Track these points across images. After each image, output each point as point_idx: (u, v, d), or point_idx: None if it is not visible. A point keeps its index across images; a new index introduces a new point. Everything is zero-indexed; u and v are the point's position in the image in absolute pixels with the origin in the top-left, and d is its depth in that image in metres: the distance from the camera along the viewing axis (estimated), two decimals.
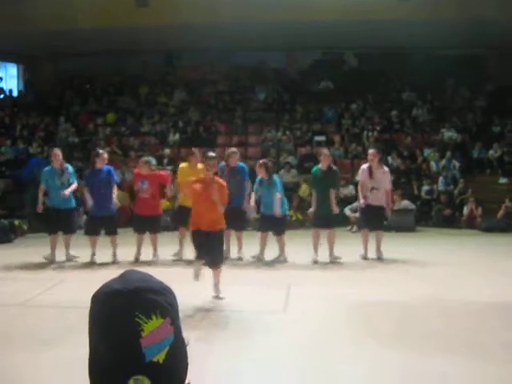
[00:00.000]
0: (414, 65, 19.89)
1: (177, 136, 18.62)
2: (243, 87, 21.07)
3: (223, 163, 10.17)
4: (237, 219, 9.77)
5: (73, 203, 10.40)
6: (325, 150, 10.79)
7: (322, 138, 18.19)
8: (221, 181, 7.73)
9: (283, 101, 20.43)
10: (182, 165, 10.53)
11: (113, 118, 19.77)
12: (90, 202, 10.21)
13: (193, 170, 9.93)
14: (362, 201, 10.31)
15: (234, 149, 10.79)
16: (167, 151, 17.52)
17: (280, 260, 9.99)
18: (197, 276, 7.44)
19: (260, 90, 20.75)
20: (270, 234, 10.09)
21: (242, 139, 18.92)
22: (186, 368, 1.26)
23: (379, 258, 10.09)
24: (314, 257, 9.92)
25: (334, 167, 10.44)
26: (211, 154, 8.41)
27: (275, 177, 10.30)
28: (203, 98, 20.77)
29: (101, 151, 10.68)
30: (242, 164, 10.67)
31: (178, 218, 10.48)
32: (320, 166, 10.18)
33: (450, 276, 8.80)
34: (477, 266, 9.60)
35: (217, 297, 7.39)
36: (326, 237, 9.97)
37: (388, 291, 7.73)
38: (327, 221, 9.95)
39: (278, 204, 9.86)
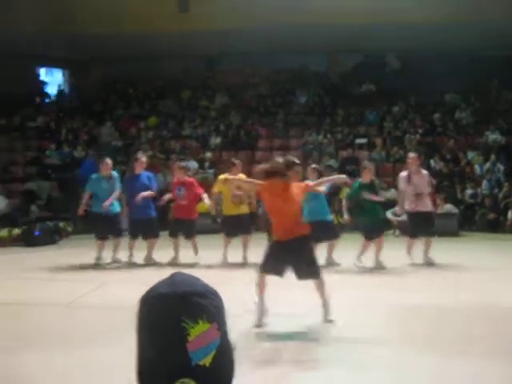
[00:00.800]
0: (457, 66, 19.58)
1: (218, 139, 18.74)
2: (284, 90, 21.08)
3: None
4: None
5: (117, 208, 10.58)
6: (367, 163, 10.48)
7: (363, 141, 18.08)
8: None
9: (324, 104, 20.38)
10: (221, 176, 10.50)
11: (154, 121, 20.01)
12: (125, 210, 10.46)
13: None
14: (400, 208, 10.17)
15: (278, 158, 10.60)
16: (208, 155, 17.66)
17: (330, 264, 9.89)
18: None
19: (301, 94, 20.75)
20: None
21: (283, 143, 18.93)
22: (233, 372, 1.27)
23: (429, 264, 9.85)
24: (357, 263, 9.79)
25: (375, 178, 10.28)
26: (295, 160, 7.17)
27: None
28: (244, 102, 20.86)
29: (139, 156, 10.81)
30: None
31: (224, 228, 10.58)
32: (361, 179, 9.92)
33: (492, 281, 8.61)
34: None
35: (327, 320, 6.41)
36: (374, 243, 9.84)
37: (429, 296, 7.64)
38: (378, 228, 9.82)
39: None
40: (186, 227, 10.35)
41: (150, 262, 10.30)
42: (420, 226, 9.97)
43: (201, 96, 21.40)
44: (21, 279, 9.37)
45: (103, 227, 10.39)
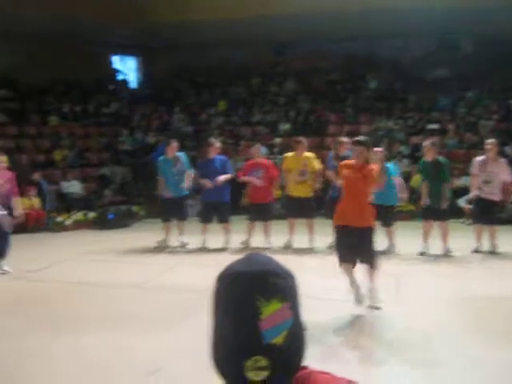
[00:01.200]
0: None
1: (287, 125, 18.73)
2: (355, 76, 20.82)
3: (332, 153, 10.05)
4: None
5: (184, 191, 10.69)
6: (425, 142, 10.28)
7: (435, 126, 17.67)
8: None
9: (395, 89, 20.03)
10: (288, 154, 10.56)
11: (224, 105, 20.16)
12: (208, 184, 10.25)
13: (298, 159, 10.02)
14: (473, 193, 9.96)
15: (344, 138, 10.36)
16: (278, 140, 17.67)
17: (390, 251, 9.84)
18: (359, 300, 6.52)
19: (371, 79, 20.45)
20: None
21: (353, 128, 18.71)
22: (304, 351, 1.29)
23: (493, 252, 9.67)
24: (422, 248, 9.71)
25: (441, 158, 10.05)
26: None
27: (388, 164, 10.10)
28: (314, 87, 20.74)
29: (213, 141, 10.84)
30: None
31: (287, 209, 10.56)
32: (424, 158, 9.82)
33: None
34: None
35: (372, 306, 6.50)
36: (438, 229, 9.71)
37: (501, 286, 7.46)
38: (438, 213, 9.67)
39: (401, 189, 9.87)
40: (263, 211, 10.35)
41: (227, 246, 10.40)
42: (481, 214, 9.80)
43: (270, 82, 21.41)
44: (94, 261, 9.68)
45: (169, 210, 10.56)
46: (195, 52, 21.51)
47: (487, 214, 9.74)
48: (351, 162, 6.59)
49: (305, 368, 1.32)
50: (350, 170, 6.48)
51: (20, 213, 8.89)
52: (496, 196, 9.82)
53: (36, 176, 14.40)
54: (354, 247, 6.37)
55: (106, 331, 5.85)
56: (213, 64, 21.81)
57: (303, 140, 10.42)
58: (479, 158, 9.96)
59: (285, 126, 18.72)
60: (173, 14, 17.89)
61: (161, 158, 10.75)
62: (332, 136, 17.74)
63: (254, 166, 10.42)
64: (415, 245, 9.81)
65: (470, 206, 13.65)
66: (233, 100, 20.66)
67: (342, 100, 19.86)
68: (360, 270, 6.59)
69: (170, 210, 10.58)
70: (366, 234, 6.39)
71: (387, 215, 9.77)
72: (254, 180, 10.30)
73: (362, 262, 6.50)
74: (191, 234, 10.69)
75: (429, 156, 9.67)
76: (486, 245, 9.79)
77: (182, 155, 10.75)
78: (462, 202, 13.90)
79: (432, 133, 17.37)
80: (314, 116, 19.13)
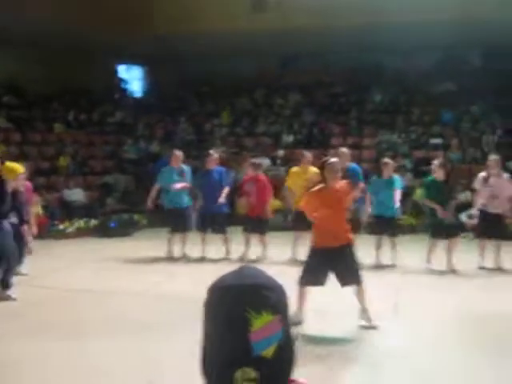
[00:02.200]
0: None
1: (291, 137, 18.77)
2: (359, 88, 20.86)
3: None
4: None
5: (187, 202, 10.76)
6: (435, 161, 10.25)
7: (438, 141, 17.68)
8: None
9: (399, 103, 20.07)
10: (293, 168, 10.63)
11: (227, 116, 20.23)
12: (200, 201, 10.56)
13: (304, 173, 10.03)
14: (476, 208, 9.94)
15: (343, 149, 10.35)
16: (281, 152, 17.70)
17: (393, 262, 9.83)
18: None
19: (376, 92, 20.50)
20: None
21: (357, 141, 18.74)
22: (293, 364, 1.29)
23: (499, 268, 9.55)
24: (427, 264, 9.68)
25: (394, 175, 10.09)
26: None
27: (395, 175, 10.12)
28: (318, 100, 20.80)
29: (211, 152, 10.95)
30: (354, 165, 10.34)
31: (295, 223, 10.50)
32: (435, 176, 9.68)
33: None
34: None
35: (369, 327, 6.35)
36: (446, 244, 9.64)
37: (500, 300, 7.44)
38: (449, 229, 9.59)
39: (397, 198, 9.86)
40: (256, 224, 10.40)
41: (227, 256, 10.45)
42: (487, 228, 9.72)
43: (275, 94, 21.49)
44: (94, 269, 9.71)
45: (175, 222, 10.59)
46: (201, 63, 21.60)
47: (493, 227, 9.65)
48: (320, 189, 6.42)
49: (293, 381, 1.32)
50: (323, 200, 6.30)
51: (33, 220, 8.93)
52: (501, 209, 9.76)
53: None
54: (333, 269, 6.30)
55: (105, 338, 5.85)
56: (218, 75, 21.91)
57: (307, 155, 10.50)
58: (482, 174, 9.95)
59: (288, 138, 18.76)
60: (180, 24, 17.98)
61: (165, 167, 10.80)
62: (335, 148, 17.78)
63: (248, 181, 10.52)
64: (417, 258, 9.78)
65: (473, 221, 13.68)
66: (237, 111, 20.73)
67: (346, 112, 19.90)
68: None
69: (176, 221, 10.59)
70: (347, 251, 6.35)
71: (391, 226, 9.81)
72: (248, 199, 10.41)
73: (346, 283, 6.39)
74: (192, 245, 10.70)
75: (439, 174, 9.59)
76: (490, 260, 9.72)
77: (185, 167, 10.81)
78: (463, 217, 13.87)
79: (435, 147, 17.39)
80: (317, 128, 19.17)
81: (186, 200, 10.69)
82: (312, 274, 6.36)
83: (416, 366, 5.18)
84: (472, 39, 17.99)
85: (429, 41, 18.31)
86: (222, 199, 10.33)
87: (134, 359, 5.29)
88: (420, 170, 15.63)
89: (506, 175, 10.00)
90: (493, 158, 9.94)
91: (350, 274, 6.33)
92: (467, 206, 14.25)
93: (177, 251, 10.66)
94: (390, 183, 9.84)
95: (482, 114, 18.73)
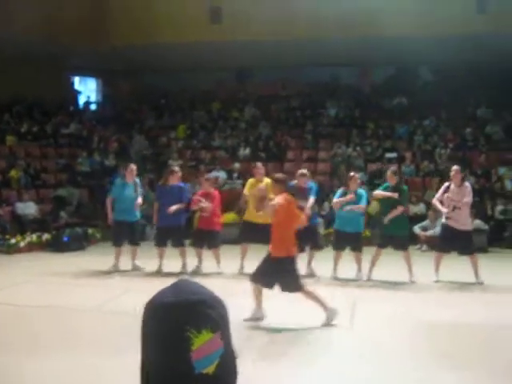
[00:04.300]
0: (489, 80, 19.30)
1: (247, 150, 18.80)
2: (315, 103, 21.08)
3: (293, 183, 10.09)
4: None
5: (137, 216, 10.65)
6: (390, 169, 10.40)
7: (393, 155, 17.96)
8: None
9: (354, 117, 20.33)
10: (250, 180, 10.69)
11: (183, 130, 20.17)
12: (155, 217, 10.52)
13: (258, 185, 10.06)
14: (444, 210, 9.82)
15: (304, 170, 10.47)
16: (237, 165, 17.71)
17: (358, 277, 9.88)
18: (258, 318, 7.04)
19: (331, 106, 20.72)
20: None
21: (312, 154, 18.92)
22: (236, 380, 1.29)
23: (479, 283, 9.51)
24: (368, 274, 9.80)
25: (402, 185, 10.21)
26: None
27: (361, 190, 10.18)
28: (274, 114, 20.93)
29: (176, 169, 10.86)
30: (312, 183, 10.41)
31: (241, 233, 10.57)
32: (389, 182, 9.93)
33: None
34: None
35: (328, 324, 6.81)
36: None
37: (454, 313, 7.54)
38: (398, 242, 9.72)
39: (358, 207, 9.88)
40: (208, 237, 10.37)
41: (183, 270, 10.37)
42: (452, 243, 9.74)
43: (231, 107, 21.53)
44: (48, 284, 9.50)
45: (122, 234, 10.49)
46: (157, 75, 21.57)
47: (462, 244, 9.64)
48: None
49: None
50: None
51: None
52: (467, 225, 9.81)
53: None
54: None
55: (58, 355, 5.72)
56: (175, 88, 21.88)
57: (259, 165, 10.63)
58: (445, 184, 10.04)
59: (245, 151, 18.78)
60: (136, 36, 17.90)
61: (119, 180, 10.70)
62: (291, 162, 17.90)
63: (203, 196, 10.46)
64: (374, 271, 9.85)
65: (426, 233, 13.91)
66: (193, 124, 20.69)
67: (302, 126, 20.06)
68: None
69: (123, 234, 10.50)
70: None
71: (358, 242, 9.88)
72: (205, 205, 10.30)
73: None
74: (149, 259, 10.58)
75: (391, 181, 9.82)
76: (446, 274, 9.80)
77: (137, 180, 10.76)
78: (417, 229, 14.08)
79: (390, 161, 17.64)
80: (273, 141, 19.26)
81: (136, 214, 10.57)
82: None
83: (371, 375, 5.20)
84: (423, 55, 18.37)
85: (382, 56, 18.64)
86: (173, 209, 10.21)
87: (88, 376, 5.17)
88: (375, 183, 15.80)
89: (467, 184, 10.02)
90: (455, 168, 10.03)
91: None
92: (420, 218, 14.50)
93: (126, 265, 10.51)
94: (357, 198, 9.87)
95: (434, 127, 19.10)
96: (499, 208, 15.20)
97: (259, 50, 18.37)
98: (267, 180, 10.08)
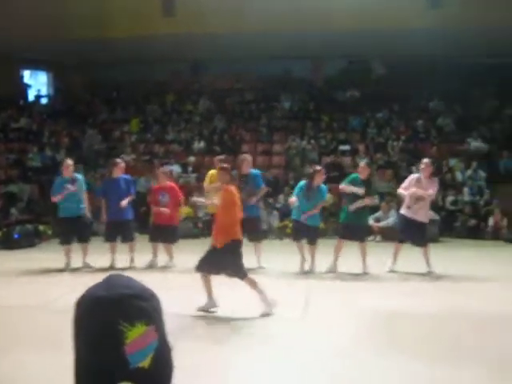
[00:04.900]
0: (442, 73, 19.62)
1: (202, 144, 18.71)
2: (269, 96, 21.09)
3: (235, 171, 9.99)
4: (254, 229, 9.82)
5: (84, 211, 10.39)
6: (362, 161, 10.54)
7: (346, 148, 18.11)
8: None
9: (308, 109, 20.41)
10: (211, 171, 10.54)
11: (136, 124, 19.96)
12: (104, 213, 10.34)
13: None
14: (408, 199, 9.87)
15: (245, 155, 10.45)
16: (192, 159, 17.62)
17: (312, 270, 9.90)
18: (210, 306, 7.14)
19: (285, 99, 20.78)
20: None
21: (267, 147, 18.94)
22: (171, 372, 1.28)
23: (430, 272, 9.64)
24: (331, 267, 9.86)
25: (372, 178, 10.38)
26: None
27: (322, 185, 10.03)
28: (228, 107, 20.87)
29: (117, 160, 10.71)
30: (255, 171, 10.33)
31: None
32: (360, 174, 9.92)
33: (471, 287, 8.65)
34: (498, 277, 9.44)
35: (266, 312, 6.92)
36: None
37: (411, 302, 7.63)
38: (357, 232, 9.79)
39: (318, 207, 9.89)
40: (166, 233, 10.26)
41: (132, 265, 10.25)
42: (412, 234, 9.85)
43: (185, 100, 21.39)
44: None
45: (69, 232, 10.25)
46: (110, 68, 21.27)
47: (417, 235, 9.77)
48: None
49: None
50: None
51: None
52: (425, 217, 9.91)
53: None
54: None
55: (10, 353, 5.60)
56: (128, 81, 21.62)
57: (220, 158, 10.47)
58: (414, 176, 10.11)
59: (199, 145, 18.69)
60: (88, 29, 17.59)
61: (58, 178, 10.41)
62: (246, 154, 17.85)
63: (161, 190, 10.35)
64: (327, 263, 9.90)
65: (379, 225, 14.08)
66: (147, 117, 20.48)
67: (256, 119, 20.06)
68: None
69: (70, 231, 10.26)
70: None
71: (315, 235, 9.88)
72: (162, 210, 10.20)
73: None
74: (101, 255, 10.43)
75: (363, 174, 9.85)
76: (401, 264, 9.92)
77: (78, 175, 10.49)
78: (370, 221, 14.20)
79: (343, 153, 17.80)
80: (228, 135, 19.21)
81: (81, 209, 10.31)
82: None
83: (326, 366, 5.20)
84: (375, 48, 18.56)
85: (335, 49, 18.75)
86: (125, 203, 10.10)
87: (30, 374, 5.07)
88: (329, 175, 15.87)
89: (436, 179, 10.08)
90: (425, 160, 10.12)
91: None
92: (374, 209, 14.65)
93: (77, 262, 10.32)
94: (319, 192, 9.85)
95: (387, 120, 19.33)
96: (450, 199, 15.49)
97: (213, 43, 18.28)
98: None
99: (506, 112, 19.11)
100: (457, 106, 19.47)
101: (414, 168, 16.24)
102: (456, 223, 14.95)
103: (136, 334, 1.19)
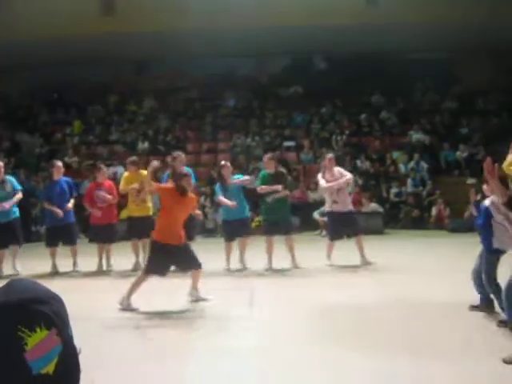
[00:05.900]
0: (383, 68, 19.90)
1: (146, 144, 18.52)
2: (213, 94, 21.02)
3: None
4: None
5: (16, 213, 9.99)
6: (267, 155, 10.38)
7: (291, 144, 18.20)
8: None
9: (252, 107, 20.43)
10: (125, 173, 10.45)
11: (79, 126, 19.63)
12: (56, 212, 9.88)
13: (135, 178, 9.89)
14: (326, 207, 10.04)
15: (178, 152, 10.31)
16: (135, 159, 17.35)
17: (243, 266, 9.85)
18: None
19: (230, 97, 20.75)
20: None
21: (212, 146, 18.89)
22: (78, 376, 1.24)
23: (367, 264, 9.67)
24: (268, 264, 9.74)
25: (282, 169, 10.21)
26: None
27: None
28: (172, 106, 20.72)
29: (57, 162, 10.42)
30: (187, 168, 10.24)
31: (130, 230, 10.31)
32: (266, 170, 9.88)
33: (414, 278, 8.70)
34: (441, 267, 9.58)
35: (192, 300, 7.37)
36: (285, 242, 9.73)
37: (352, 294, 7.67)
38: (282, 227, 9.66)
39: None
40: (105, 232, 10.07)
41: (75, 269, 10.06)
42: (340, 227, 9.85)
43: (128, 100, 21.14)
44: None
45: (2, 236, 9.80)
46: (49, 70, 20.79)
47: (348, 226, 9.77)
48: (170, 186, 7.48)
49: None
50: (173, 195, 7.17)
51: None
52: (348, 206, 9.96)
53: None
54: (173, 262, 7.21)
55: None
56: (69, 82, 21.20)
57: (132, 159, 10.47)
58: (320, 174, 10.04)
59: (143, 145, 18.49)
60: (24, 32, 17.16)
61: None
62: (191, 154, 17.77)
63: (96, 187, 10.20)
64: (264, 259, 9.82)
65: (324, 219, 14.16)
66: (89, 118, 20.16)
67: (201, 118, 19.97)
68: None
69: (2, 236, 9.80)
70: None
71: (244, 228, 9.79)
72: (94, 212, 10.04)
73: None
74: (42, 260, 10.19)
75: (269, 167, 9.80)
76: (338, 258, 9.96)
77: (9, 177, 10.11)
78: (316, 215, 14.33)
79: (288, 149, 17.88)
80: (172, 134, 19.06)
81: (13, 212, 9.89)
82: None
83: (272, 361, 5.17)
84: (316, 44, 18.69)
85: (278, 46, 18.80)
86: (70, 206, 9.91)
87: None
88: None
89: (337, 168, 10.05)
90: (329, 155, 10.23)
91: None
92: (319, 204, 14.76)
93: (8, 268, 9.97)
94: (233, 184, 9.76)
95: (331, 115, 19.50)
96: (394, 190, 15.75)
97: (155, 41, 18.09)
98: (144, 172, 9.68)
99: (446, 105, 19.52)
100: (398, 99, 19.78)
101: (358, 161, 16.47)
102: (400, 214, 15.19)
103: (37, 340, 1.14)
